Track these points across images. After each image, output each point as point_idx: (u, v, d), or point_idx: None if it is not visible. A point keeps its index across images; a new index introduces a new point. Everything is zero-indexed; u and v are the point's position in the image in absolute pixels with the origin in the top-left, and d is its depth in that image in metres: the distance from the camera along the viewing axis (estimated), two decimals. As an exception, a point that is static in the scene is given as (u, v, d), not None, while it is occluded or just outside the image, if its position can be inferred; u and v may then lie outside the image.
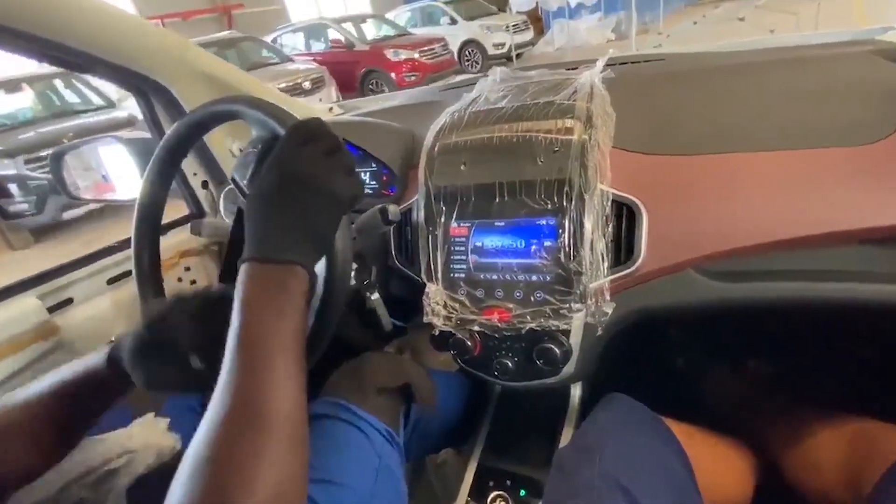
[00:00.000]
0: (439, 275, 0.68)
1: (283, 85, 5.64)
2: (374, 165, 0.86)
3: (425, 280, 0.68)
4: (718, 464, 0.68)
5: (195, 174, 0.95)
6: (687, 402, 0.77)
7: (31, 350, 0.73)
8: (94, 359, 0.46)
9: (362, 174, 0.87)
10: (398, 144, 0.81)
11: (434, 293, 0.67)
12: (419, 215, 0.70)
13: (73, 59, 0.70)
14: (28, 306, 0.73)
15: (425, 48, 7.48)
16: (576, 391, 0.82)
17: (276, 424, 0.31)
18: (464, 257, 0.67)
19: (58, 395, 0.45)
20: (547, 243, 0.62)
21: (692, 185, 0.60)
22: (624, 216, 0.61)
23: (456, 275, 0.67)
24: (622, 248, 0.61)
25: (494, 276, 0.65)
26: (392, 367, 0.69)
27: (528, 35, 9.07)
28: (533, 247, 0.63)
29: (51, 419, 0.45)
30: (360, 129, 0.81)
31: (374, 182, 0.87)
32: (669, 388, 0.87)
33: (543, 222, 0.62)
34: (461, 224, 0.67)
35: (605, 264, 0.59)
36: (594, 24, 8.26)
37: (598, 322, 0.60)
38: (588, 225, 0.59)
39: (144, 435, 0.57)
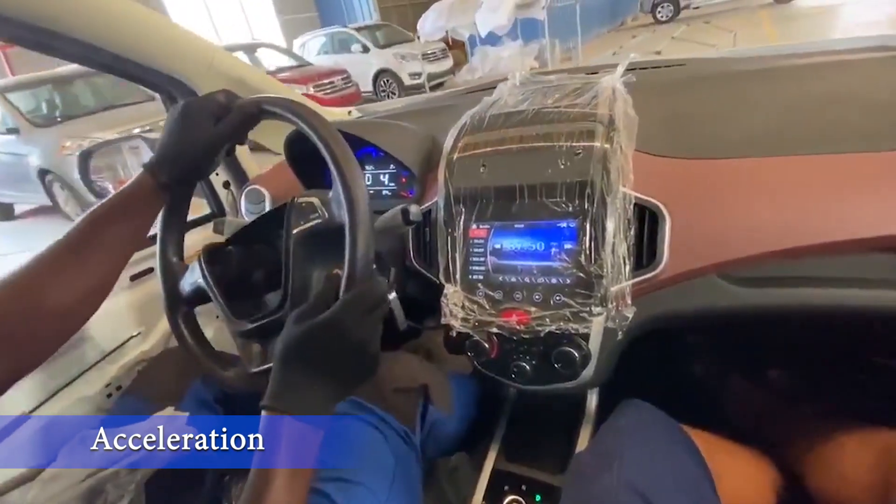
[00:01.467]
0: (458, 276, 0.68)
1: (138, 130, 4.44)
2: (393, 167, 0.87)
3: (443, 281, 0.68)
4: (739, 473, 0.66)
5: (217, 174, 0.97)
6: (705, 411, 0.76)
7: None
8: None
9: (381, 176, 0.88)
10: (418, 146, 0.81)
11: (452, 294, 0.67)
12: (438, 217, 0.70)
13: (103, 60, 0.72)
14: (54, 300, 0.74)
15: (322, 82, 6.84)
16: (592, 397, 0.81)
17: None
18: (482, 259, 0.67)
19: (101, 215, 0.49)
20: (567, 246, 0.61)
21: (716, 189, 0.59)
22: (646, 219, 0.60)
23: (474, 276, 0.67)
24: (644, 252, 0.60)
25: (513, 279, 0.65)
26: (409, 367, 0.69)
27: (447, 63, 8.53)
28: (553, 249, 0.62)
29: (98, 240, 0.48)
30: (381, 130, 0.82)
31: (392, 184, 0.87)
32: (687, 396, 0.86)
33: (564, 225, 0.62)
34: (480, 226, 0.67)
35: (627, 268, 0.59)
36: (516, 51, 7.86)
37: (619, 326, 0.59)
38: (610, 228, 0.58)
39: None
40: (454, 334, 0.68)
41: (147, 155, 0.93)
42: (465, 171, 0.69)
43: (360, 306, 0.43)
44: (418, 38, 7.81)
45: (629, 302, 0.58)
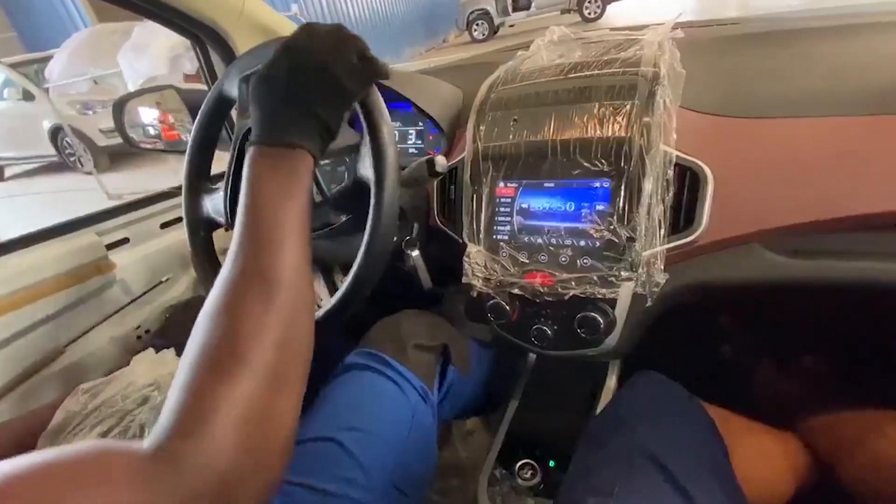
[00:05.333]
0: (481, 236, 0.66)
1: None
2: (420, 124, 0.84)
3: (467, 241, 0.66)
4: (757, 454, 0.63)
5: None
6: (727, 391, 0.73)
7: (90, 283, 0.77)
8: None
9: (408, 133, 0.86)
10: (448, 102, 0.78)
11: (475, 254, 0.65)
12: (465, 174, 0.67)
13: (143, 3, 0.71)
14: (89, 242, 0.77)
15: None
16: (613, 369, 0.79)
17: (284, 283, 0.33)
18: (508, 219, 0.64)
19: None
20: (599, 207, 0.58)
21: (765, 151, 0.55)
22: (687, 181, 0.56)
23: (499, 236, 0.65)
24: (682, 216, 0.56)
25: (539, 240, 0.62)
26: (430, 325, 0.68)
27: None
28: (584, 210, 0.59)
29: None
30: (413, 82, 0.79)
31: (419, 141, 0.85)
32: (710, 376, 0.83)
33: (597, 185, 0.58)
34: (508, 184, 0.65)
35: (662, 232, 0.55)
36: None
37: (649, 293, 0.56)
38: (646, 188, 0.55)
39: (151, 369, 0.56)
40: (475, 294, 0.66)
41: (180, 104, 0.93)
42: (495, 127, 0.66)
43: (317, 30, 0.41)
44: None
45: (662, 268, 0.55)
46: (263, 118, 0.39)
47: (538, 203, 0.63)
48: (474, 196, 0.66)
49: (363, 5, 8.84)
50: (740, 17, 0.87)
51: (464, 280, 0.66)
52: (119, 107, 0.98)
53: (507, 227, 0.64)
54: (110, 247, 0.81)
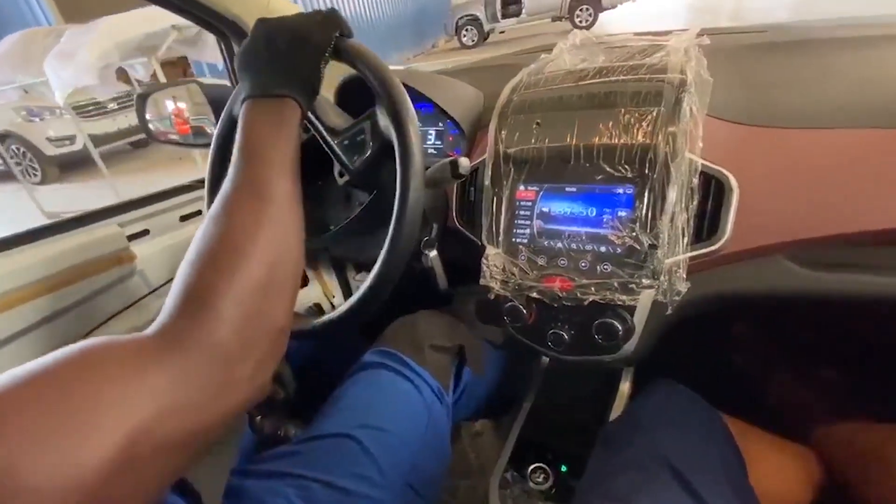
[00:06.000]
0: (500, 238, 0.66)
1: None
2: (440, 125, 0.84)
3: (485, 243, 0.66)
4: (774, 466, 0.63)
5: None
6: (743, 402, 0.72)
7: (111, 273, 0.78)
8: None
9: (428, 133, 0.86)
10: (469, 103, 0.78)
11: (493, 256, 0.65)
12: (485, 176, 0.67)
13: None
14: (110, 232, 0.78)
15: None
16: (626, 375, 0.78)
17: (275, 201, 0.37)
18: (528, 222, 0.64)
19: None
20: (621, 213, 0.58)
21: (793, 161, 0.54)
22: (712, 190, 0.56)
23: (518, 239, 0.65)
24: (705, 225, 0.56)
25: (559, 244, 0.62)
26: (447, 326, 0.69)
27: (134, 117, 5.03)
28: (605, 216, 0.59)
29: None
30: (434, 82, 0.80)
31: (439, 142, 0.85)
32: (725, 385, 0.82)
33: (620, 191, 0.58)
34: (529, 187, 0.65)
35: (685, 240, 0.55)
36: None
37: (669, 301, 0.56)
38: (671, 196, 0.55)
39: None
40: (492, 297, 0.66)
41: (203, 99, 0.94)
42: (518, 129, 0.66)
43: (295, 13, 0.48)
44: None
45: (684, 276, 0.55)
46: (251, 79, 0.44)
47: (559, 207, 0.62)
48: (494, 198, 0.66)
49: (348, 8, 8.72)
50: (767, 25, 0.86)
51: (481, 282, 0.66)
52: (141, 99, 0.99)
53: (527, 231, 0.64)
54: (131, 238, 0.82)
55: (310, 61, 0.46)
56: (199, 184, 0.90)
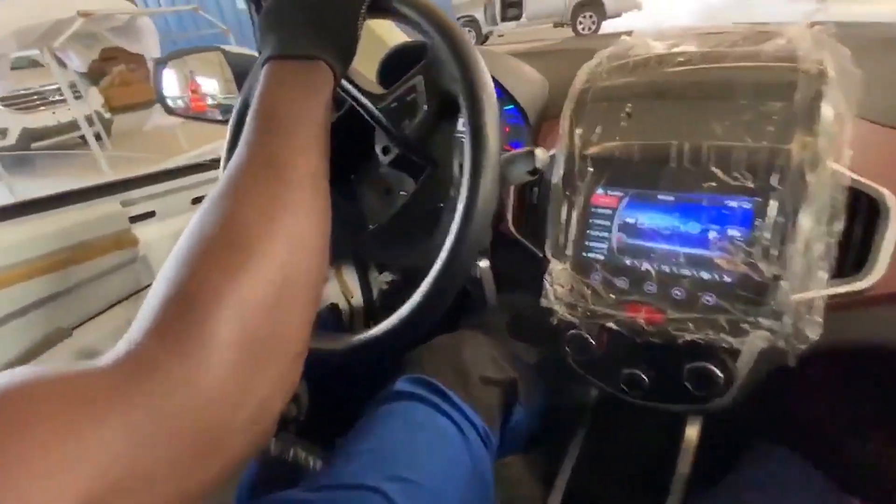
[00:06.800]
0: (569, 251, 0.54)
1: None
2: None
3: (549, 255, 0.55)
4: None
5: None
6: (845, 468, 0.60)
7: (108, 258, 0.68)
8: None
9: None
10: (535, 89, 0.67)
11: (559, 273, 0.54)
12: (554, 174, 0.56)
13: None
14: (111, 211, 0.68)
15: None
16: (694, 420, 0.66)
17: (298, 178, 0.29)
18: (606, 234, 0.53)
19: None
20: (734, 232, 0.46)
21: None
22: (861, 211, 0.43)
23: (592, 254, 0.53)
24: (851, 256, 0.44)
25: (646, 265, 0.50)
26: (496, 353, 0.57)
27: (83, 108, 4.28)
28: (712, 234, 0.47)
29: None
30: (499, 62, 0.68)
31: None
32: (806, 437, 0.69)
33: (735, 204, 0.46)
34: (610, 192, 0.53)
35: (822, 273, 0.43)
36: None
37: (793, 349, 0.44)
38: (806, 216, 0.42)
39: None
40: (555, 321, 0.54)
41: (227, 70, 0.85)
42: (599, 121, 0.54)
43: None
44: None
45: (818, 320, 0.43)
46: (275, 39, 0.36)
47: (648, 219, 0.51)
48: (565, 203, 0.55)
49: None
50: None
51: (543, 303, 0.54)
52: (159, 68, 0.90)
53: (604, 245, 0.53)
54: (135, 219, 0.72)
55: (345, 16, 0.38)
56: (214, 163, 0.80)
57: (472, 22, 9.70)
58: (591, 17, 9.11)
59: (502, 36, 10.20)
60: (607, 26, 9.21)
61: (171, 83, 0.92)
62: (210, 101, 0.92)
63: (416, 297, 0.40)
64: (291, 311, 0.26)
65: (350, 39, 0.38)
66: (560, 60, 0.75)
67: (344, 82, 0.46)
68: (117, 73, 6.67)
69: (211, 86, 0.91)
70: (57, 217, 0.63)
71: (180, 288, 0.22)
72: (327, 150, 0.33)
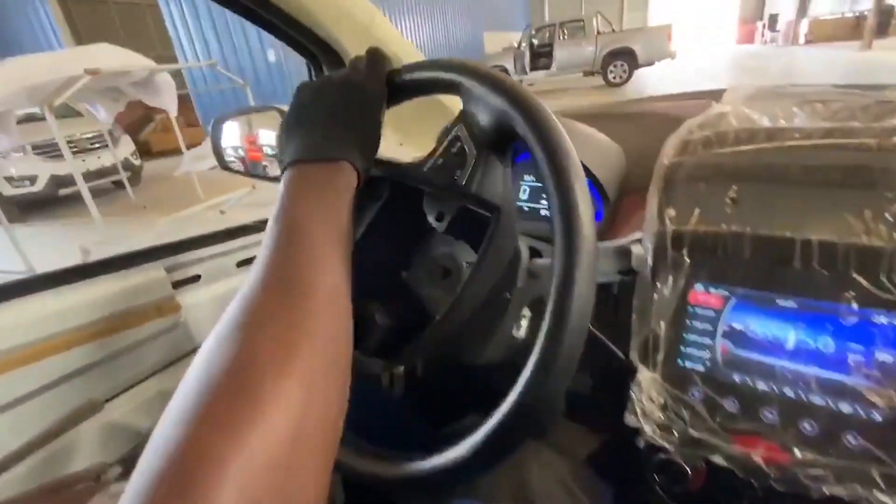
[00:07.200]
0: (660, 358, 0.45)
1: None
2: None
3: (636, 361, 0.46)
4: None
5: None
6: None
7: (148, 327, 0.65)
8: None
9: (543, 192, 0.68)
10: (611, 159, 0.60)
11: (649, 384, 0.45)
12: (643, 263, 0.48)
13: (266, 15, 0.62)
14: (154, 278, 0.65)
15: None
16: None
17: (319, 298, 0.27)
18: (708, 341, 0.44)
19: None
20: (885, 357, 0.36)
21: None
22: None
23: (689, 364, 0.44)
24: None
25: (762, 385, 0.41)
26: (571, 477, 0.48)
27: (109, 156, 5.03)
28: (854, 356, 0.37)
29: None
30: (569, 128, 0.62)
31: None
32: None
33: (885, 320, 0.37)
34: (712, 289, 0.44)
35: None
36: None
37: None
38: None
39: None
40: (641, 444, 0.45)
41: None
42: (697, 203, 0.46)
43: (375, 69, 0.40)
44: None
45: None
46: (296, 142, 0.36)
47: (763, 327, 0.41)
48: (655, 298, 0.46)
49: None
50: None
51: (627, 420, 0.45)
52: (217, 125, 0.91)
53: (706, 355, 0.44)
54: (178, 284, 0.69)
55: (366, 112, 0.38)
56: (261, 224, 0.77)
57: (502, 71, 10.08)
58: (622, 66, 9.06)
59: (532, 85, 10.40)
60: (639, 75, 9.15)
61: (230, 136, 0.93)
62: (268, 151, 0.92)
63: (494, 420, 0.32)
64: (304, 471, 0.22)
65: (373, 135, 0.38)
66: (633, 125, 0.69)
67: (379, 164, 0.42)
68: (160, 120, 7.09)
69: (268, 138, 0.91)
70: (98, 285, 0.60)
71: (179, 459, 0.20)
72: (349, 261, 0.31)
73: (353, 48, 0.69)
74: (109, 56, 3.68)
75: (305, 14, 0.62)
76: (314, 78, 0.76)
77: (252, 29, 6.91)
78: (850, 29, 12.72)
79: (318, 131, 0.36)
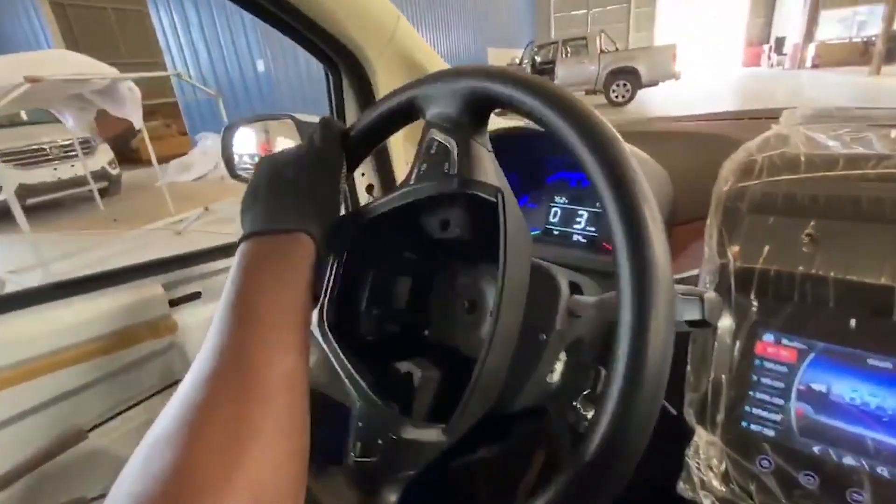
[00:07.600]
0: (720, 418, 0.39)
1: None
2: (598, 204, 0.61)
3: (691, 421, 0.40)
4: None
5: (363, 174, 0.79)
6: None
7: (142, 347, 0.60)
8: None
9: (577, 215, 0.62)
10: (660, 186, 0.54)
11: (707, 448, 0.38)
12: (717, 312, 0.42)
13: (284, 17, 0.57)
14: (150, 295, 0.60)
15: None
16: None
17: (272, 385, 0.25)
18: (780, 402, 0.37)
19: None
20: None
21: None
22: None
23: (757, 428, 0.38)
24: None
25: (852, 460, 0.34)
26: None
27: (92, 163, 4.99)
28: (973, 435, 0.31)
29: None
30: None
31: (591, 228, 0.61)
32: None
33: None
34: (786, 341, 0.38)
35: None
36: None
37: None
38: None
39: None
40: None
41: (298, 137, 0.80)
42: (765, 239, 0.40)
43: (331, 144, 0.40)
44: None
45: None
46: (252, 215, 0.35)
47: (849, 390, 0.35)
48: (714, 347, 0.40)
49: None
50: None
51: (681, 489, 0.39)
52: (228, 132, 0.87)
53: (777, 418, 0.37)
54: (175, 302, 0.64)
55: (323, 180, 0.38)
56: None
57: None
58: (625, 85, 8.97)
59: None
60: (642, 95, 9.08)
61: (243, 143, 0.89)
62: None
63: (560, 485, 0.26)
64: None
65: (332, 206, 0.38)
66: (676, 145, 0.63)
67: (365, 210, 0.41)
68: (151, 128, 7.20)
69: (285, 146, 0.87)
70: (92, 302, 0.55)
71: None
72: (307, 338, 0.30)
73: (374, 56, 0.64)
74: (61, 63, 3.53)
75: (329, 19, 0.57)
76: (332, 90, 0.72)
77: (242, 38, 6.92)
78: (858, 54, 12.64)
79: (273, 203, 0.36)
